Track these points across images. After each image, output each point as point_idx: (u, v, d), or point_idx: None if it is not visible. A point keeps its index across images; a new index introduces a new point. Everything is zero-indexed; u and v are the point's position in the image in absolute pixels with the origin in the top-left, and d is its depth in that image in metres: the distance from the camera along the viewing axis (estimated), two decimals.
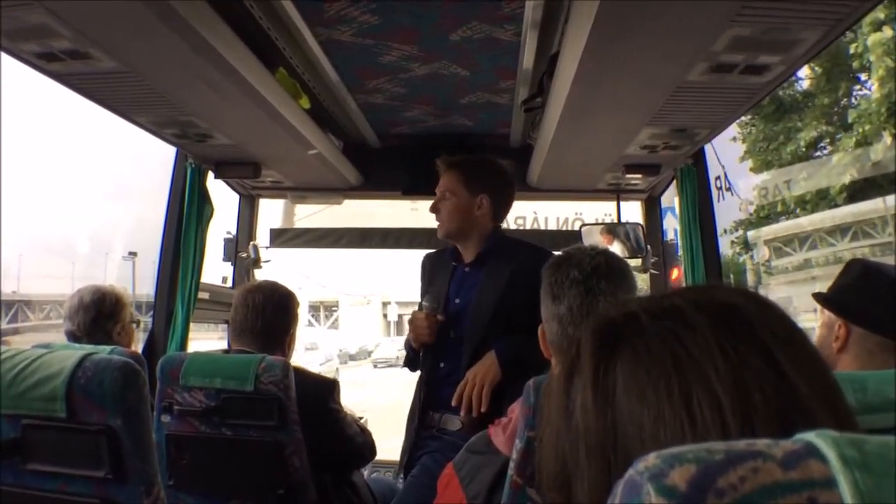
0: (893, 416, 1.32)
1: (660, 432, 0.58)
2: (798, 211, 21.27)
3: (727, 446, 0.43)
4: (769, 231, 22.71)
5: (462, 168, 2.61)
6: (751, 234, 22.29)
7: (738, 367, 0.59)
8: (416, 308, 2.69)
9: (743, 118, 19.79)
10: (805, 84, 20.86)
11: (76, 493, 1.30)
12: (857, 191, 19.65)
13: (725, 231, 21.40)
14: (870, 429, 1.27)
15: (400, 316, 53.20)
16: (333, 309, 54.46)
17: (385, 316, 53.97)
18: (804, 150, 20.31)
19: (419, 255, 2.93)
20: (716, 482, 0.41)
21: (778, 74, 2.11)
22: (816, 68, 19.93)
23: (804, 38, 1.85)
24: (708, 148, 3.22)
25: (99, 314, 2.69)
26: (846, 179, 19.20)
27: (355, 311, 53.44)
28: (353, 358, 41.73)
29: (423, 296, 2.67)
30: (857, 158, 18.69)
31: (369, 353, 41.62)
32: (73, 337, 2.66)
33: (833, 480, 0.40)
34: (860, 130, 18.03)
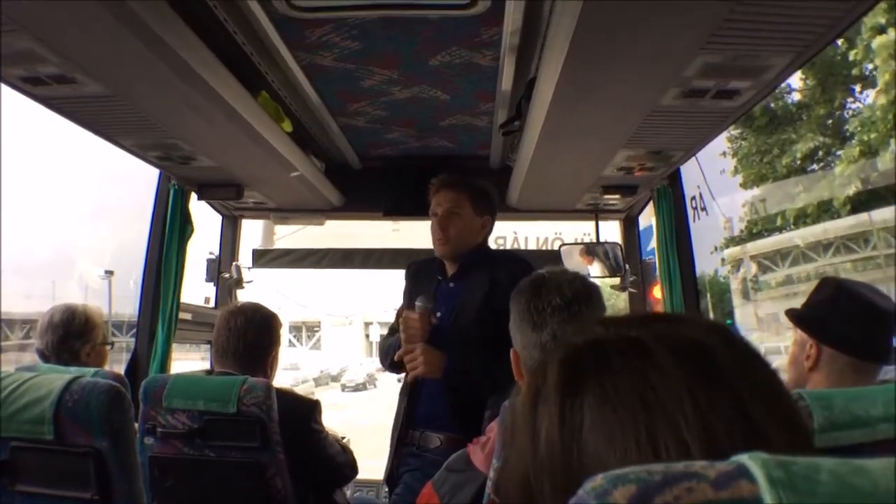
0: (860, 433, 1.37)
1: (629, 455, 0.59)
2: (798, 224, 20.84)
3: (665, 468, 0.46)
4: (754, 247, 22.53)
5: (468, 189, 2.67)
6: (732, 250, 22.10)
7: (706, 413, 0.59)
8: (398, 312, 2.72)
9: (733, 132, 19.48)
10: (798, 96, 20.48)
11: None
12: (861, 203, 19.26)
13: (717, 248, 21.22)
14: (835, 446, 1.32)
15: (381, 336, 52.42)
16: (315, 329, 53.99)
17: (367, 336, 53.49)
18: (800, 162, 19.92)
19: (401, 275, 2.96)
20: (652, 501, 0.44)
21: (749, 98, 2.17)
22: (809, 80, 19.68)
23: (773, 63, 1.91)
24: (686, 166, 3.27)
25: (67, 334, 2.66)
26: (850, 191, 18.75)
27: (337, 331, 53.02)
28: (335, 379, 40.95)
29: (405, 302, 2.71)
30: (862, 168, 18.30)
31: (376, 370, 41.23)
32: (43, 356, 2.64)
33: (760, 499, 0.43)
34: (864, 139, 17.75)
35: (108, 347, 2.86)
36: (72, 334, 2.68)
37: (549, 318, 1.56)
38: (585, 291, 1.62)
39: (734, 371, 0.62)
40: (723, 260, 22.09)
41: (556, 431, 0.64)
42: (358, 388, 36.29)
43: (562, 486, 0.62)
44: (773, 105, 19.81)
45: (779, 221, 21.02)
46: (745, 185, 20.90)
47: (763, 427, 0.59)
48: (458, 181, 2.69)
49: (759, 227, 21.55)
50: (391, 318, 2.88)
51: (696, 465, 0.46)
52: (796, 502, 0.42)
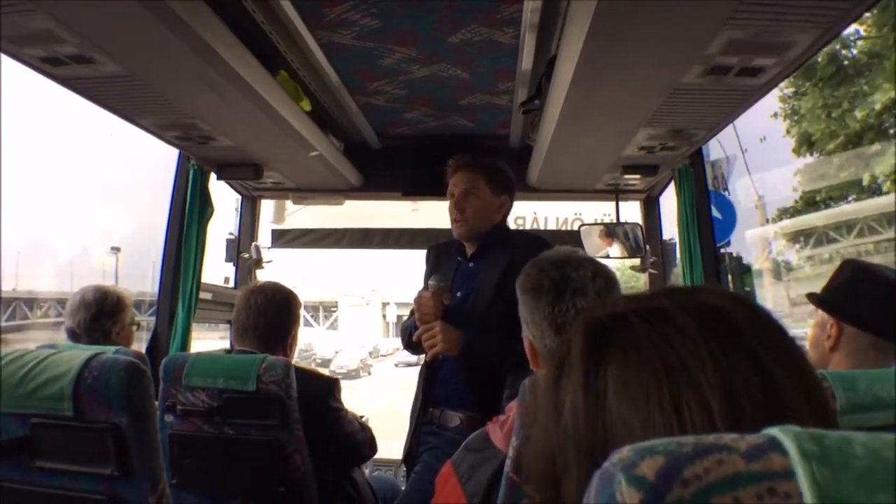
0: (883, 415, 1.35)
1: (649, 436, 0.58)
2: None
3: (696, 440, 0.46)
4: (800, 222, 20.34)
5: (484, 169, 2.64)
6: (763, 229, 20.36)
7: (727, 372, 0.60)
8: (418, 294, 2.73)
9: (785, 89, 18.23)
10: (865, 44, 17.41)
11: (83, 489, 1.33)
12: None
13: (768, 221, 19.73)
14: (859, 426, 1.30)
15: (398, 317, 52.32)
16: (333, 309, 54.00)
17: (384, 317, 53.35)
18: (877, 116, 17.00)
19: (418, 255, 2.95)
20: (682, 473, 0.44)
21: (773, 76, 2.13)
22: (878, 29, 16.72)
23: (798, 40, 1.87)
24: (713, 143, 3.24)
25: (99, 313, 2.70)
26: None
27: (354, 311, 52.97)
28: (324, 364, 37.03)
29: (426, 284, 2.70)
30: None
31: (369, 355, 39.95)
32: (73, 334, 2.68)
33: (792, 472, 0.43)
34: None
35: (135, 328, 2.90)
36: (104, 313, 2.72)
37: (573, 321, 1.54)
38: (608, 290, 1.61)
39: (754, 336, 0.63)
40: (776, 233, 20.50)
41: (580, 400, 0.65)
42: (350, 374, 34.22)
43: (587, 454, 0.64)
44: (839, 55, 17.41)
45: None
46: (798, 151, 18.67)
47: (784, 390, 0.60)
48: (475, 161, 2.67)
49: (822, 194, 19.27)
50: (408, 298, 2.88)
51: (725, 437, 0.46)
52: (829, 475, 0.42)
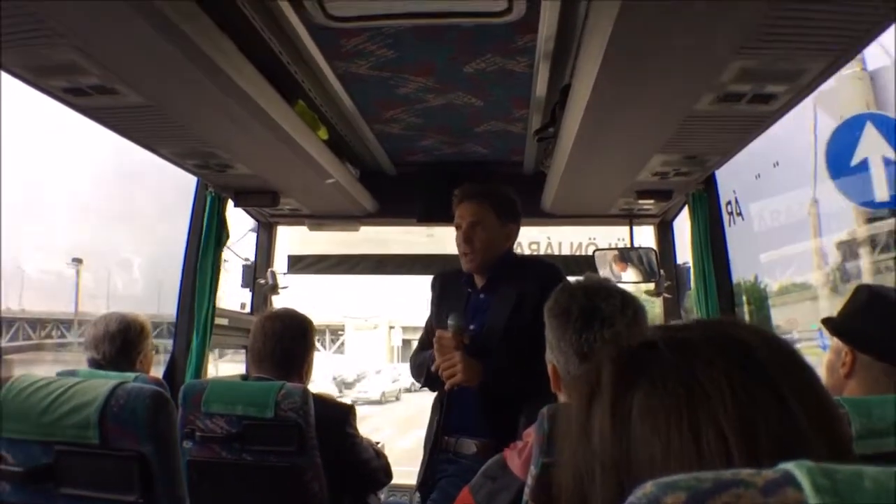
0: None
1: (669, 460, 0.62)
2: None
3: (715, 475, 0.48)
4: None
5: (491, 198, 2.61)
6: None
7: (746, 406, 0.62)
8: (426, 324, 2.73)
9: None
10: None
11: None
12: None
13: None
14: (874, 453, 1.31)
15: (405, 341, 51.12)
16: (339, 333, 52.77)
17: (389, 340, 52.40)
18: None
19: (423, 279, 2.95)
20: None
21: (785, 102, 2.14)
22: None
23: (809, 67, 1.89)
24: (725, 169, 3.24)
25: (125, 343, 2.70)
26: None
27: (360, 335, 51.81)
28: (348, 386, 36.59)
29: (434, 314, 2.71)
30: None
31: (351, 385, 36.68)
32: (97, 364, 2.67)
33: None
34: None
35: (154, 352, 2.91)
36: (130, 343, 2.72)
37: (600, 350, 1.55)
38: (635, 321, 1.61)
39: (777, 370, 0.65)
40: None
41: (608, 423, 0.68)
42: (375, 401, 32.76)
43: (612, 472, 0.66)
44: None
45: None
46: None
47: (802, 425, 0.62)
48: (480, 191, 2.64)
49: None
50: (413, 322, 2.87)
51: (743, 472, 0.48)
52: None
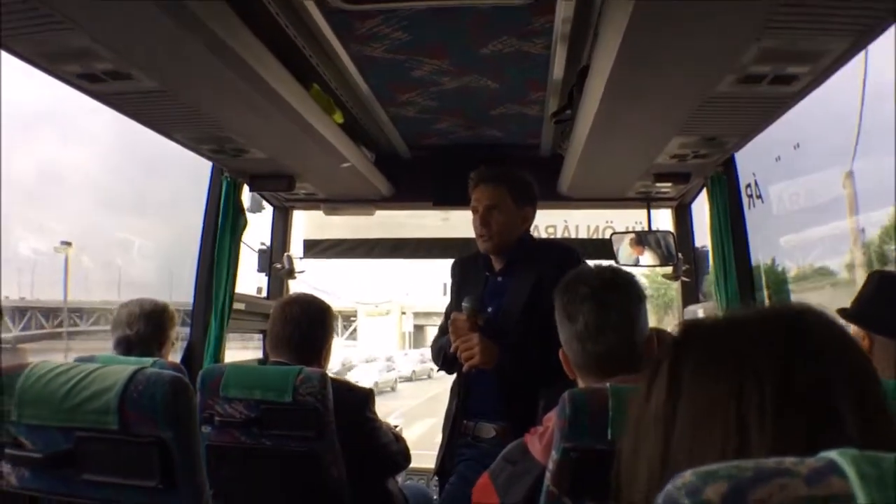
0: None
1: (716, 413, 0.64)
2: None
3: (756, 464, 0.47)
4: None
5: (507, 182, 2.61)
6: None
7: (786, 368, 0.64)
8: (447, 310, 2.72)
9: None
10: None
11: (128, 502, 1.35)
12: None
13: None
14: None
15: (416, 327, 51.13)
16: (352, 319, 52.76)
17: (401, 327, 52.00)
18: None
19: (436, 263, 2.94)
20: (746, 498, 0.44)
21: (807, 84, 2.11)
22: None
23: (832, 48, 1.87)
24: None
25: (158, 325, 2.77)
26: None
27: (372, 321, 51.57)
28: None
29: (454, 300, 2.71)
30: None
31: (393, 367, 36.25)
32: (127, 342, 2.71)
33: (852, 496, 0.43)
34: None
35: (176, 339, 2.97)
36: (162, 326, 2.80)
37: (580, 307, 1.59)
38: (612, 279, 1.65)
39: (822, 346, 0.67)
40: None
41: (664, 383, 0.72)
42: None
43: (661, 424, 0.70)
44: None
45: None
46: None
47: (840, 403, 0.63)
48: (497, 174, 2.63)
49: None
50: (425, 308, 2.87)
51: (786, 461, 0.47)
52: (888, 498, 0.43)
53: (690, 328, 0.75)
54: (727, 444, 0.62)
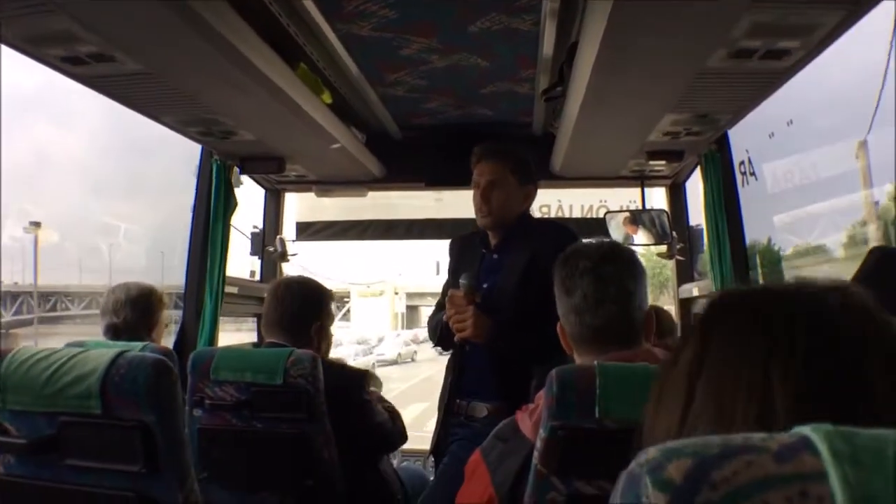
0: None
1: (741, 375, 0.63)
2: None
3: (723, 440, 0.45)
4: None
5: (511, 159, 2.59)
6: None
7: (814, 356, 0.62)
8: (444, 287, 2.72)
9: None
10: None
11: (112, 486, 1.34)
12: None
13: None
14: None
15: (409, 307, 51.10)
16: (345, 300, 51.78)
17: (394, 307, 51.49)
18: None
19: (430, 243, 2.94)
20: (710, 476, 0.42)
21: (799, 59, 2.09)
22: None
23: (823, 22, 1.84)
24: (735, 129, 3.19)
25: (146, 309, 2.74)
26: None
27: (365, 302, 50.98)
28: None
29: (452, 277, 2.70)
30: None
31: (371, 350, 35.69)
32: (115, 329, 2.69)
33: (824, 473, 0.41)
34: None
35: (169, 324, 2.95)
36: (150, 310, 2.77)
37: (579, 280, 1.59)
38: (611, 253, 1.64)
39: (860, 322, 0.66)
40: None
41: (692, 349, 0.71)
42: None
43: (685, 379, 0.69)
44: None
45: None
46: None
47: (869, 379, 0.61)
48: (500, 151, 2.61)
49: None
50: (418, 288, 2.86)
51: (755, 437, 0.45)
52: (862, 477, 0.41)
53: (727, 292, 0.76)
54: (748, 410, 0.61)
